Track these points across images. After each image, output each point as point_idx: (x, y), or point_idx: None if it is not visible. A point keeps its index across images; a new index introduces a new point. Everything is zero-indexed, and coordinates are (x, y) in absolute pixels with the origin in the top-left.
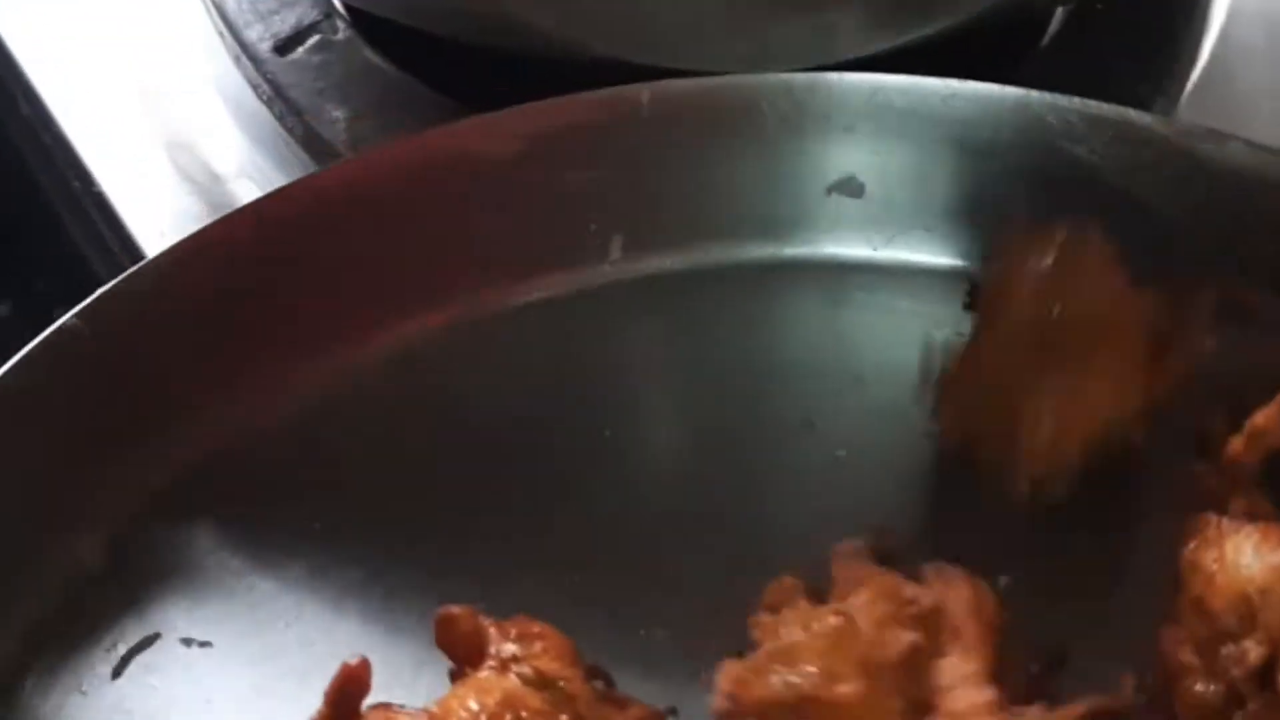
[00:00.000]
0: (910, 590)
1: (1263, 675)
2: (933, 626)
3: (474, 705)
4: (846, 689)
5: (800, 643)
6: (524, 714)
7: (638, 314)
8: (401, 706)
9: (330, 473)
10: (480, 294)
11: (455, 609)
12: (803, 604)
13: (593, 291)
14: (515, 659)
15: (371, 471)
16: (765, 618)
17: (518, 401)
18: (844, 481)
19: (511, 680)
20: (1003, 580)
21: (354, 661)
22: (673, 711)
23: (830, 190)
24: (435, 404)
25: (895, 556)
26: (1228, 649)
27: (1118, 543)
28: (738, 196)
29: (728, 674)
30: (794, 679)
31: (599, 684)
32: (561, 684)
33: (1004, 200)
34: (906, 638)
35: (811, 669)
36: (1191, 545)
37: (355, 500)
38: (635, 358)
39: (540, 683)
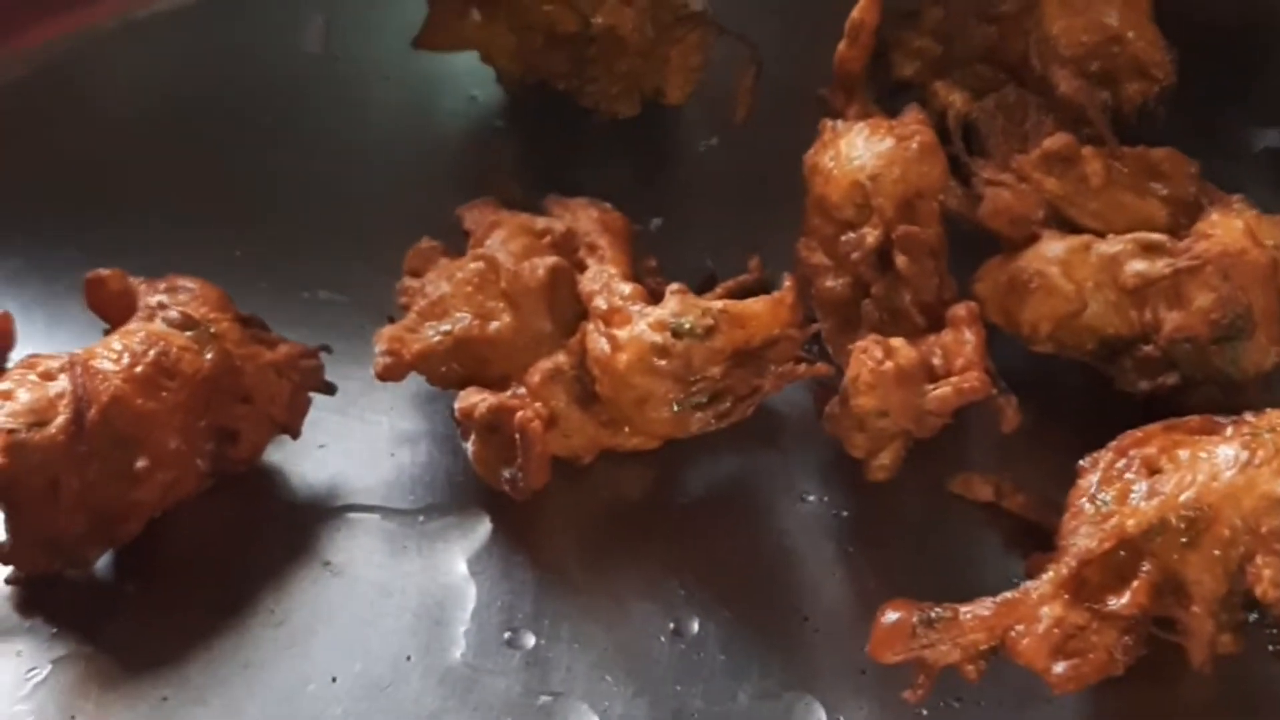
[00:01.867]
0: (542, 222)
1: (882, 257)
2: (569, 249)
3: (118, 346)
4: (498, 324)
5: (447, 294)
6: (169, 350)
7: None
8: (48, 355)
9: None
10: None
11: (104, 271)
12: (443, 262)
13: None
14: (162, 306)
15: (20, 166)
16: (410, 282)
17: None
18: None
19: (157, 324)
20: (654, 222)
21: None
22: (325, 348)
23: None
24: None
25: (521, 204)
26: (847, 237)
27: (756, 176)
28: None
29: (382, 337)
30: (446, 326)
31: (252, 329)
32: (207, 325)
33: None
34: (547, 262)
35: (462, 314)
36: (811, 151)
37: (6, 195)
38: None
39: (186, 324)
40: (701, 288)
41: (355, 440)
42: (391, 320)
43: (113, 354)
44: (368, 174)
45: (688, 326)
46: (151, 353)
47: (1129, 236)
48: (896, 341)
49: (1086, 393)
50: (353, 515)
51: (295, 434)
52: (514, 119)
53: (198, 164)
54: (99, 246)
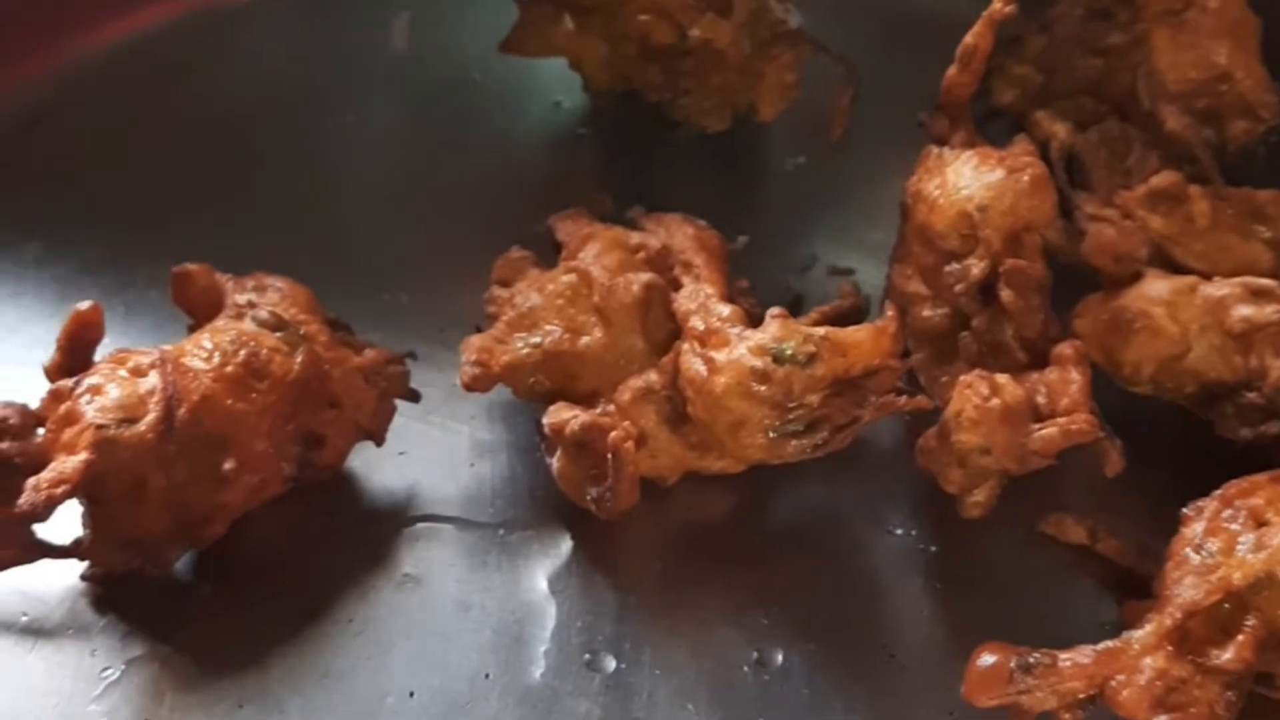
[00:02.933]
0: (637, 237)
1: (985, 290)
2: (663, 266)
3: (208, 344)
4: (589, 339)
5: (537, 306)
6: (259, 350)
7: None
8: (138, 350)
9: (63, 162)
10: None
11: (191, 266)
12: (533, 272)
13: None
14: (251, 305)
15: (105, 156)
16: (499, 291)
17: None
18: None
19: (247, 323)
20: (740, 239)
21: (85, 306)
22: (411, 355)
23: None
24: (168, 91)
25: (613, 217)
26: (950, 268)
27: (846, 197)
28: None
29: (470, 346)
30: (536, 339)
31: (339, 332)
32: (297, 326)
33: None
34: (642, 278)
35: (552, 326)
36: (914, 177)
37: (90, 184)
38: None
39: (276, 324)
40: (790, 308)
41: (436, 449)
42: (479, 329)
43: (203, 352)
44: (451, 177)
45: (789, 352)
46: (242, 352)
47: (1236, 280)
48: (1002, 378)
49: (1184, 437)
50: (432, 525)
51: (380, 441)
52: (599, 127)
53: (279, 161)
54: (181, 240)
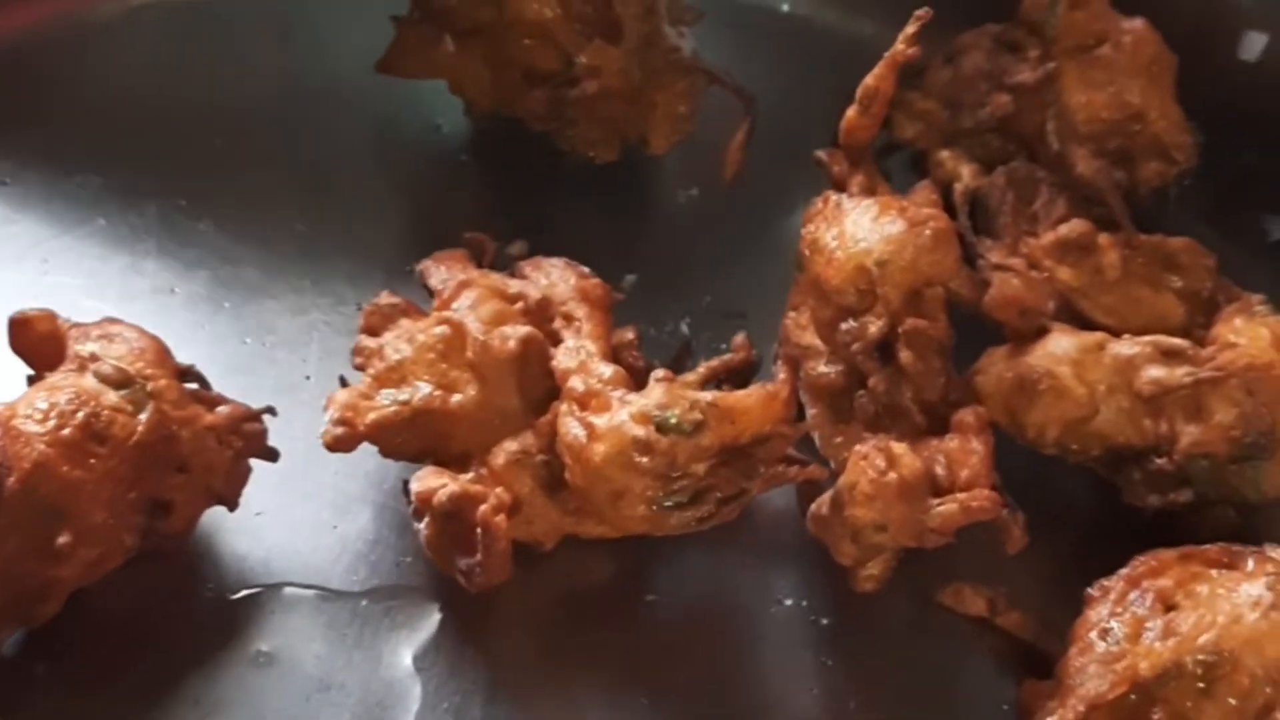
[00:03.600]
0: (515, 285)
1: (883, 351)
2: (543, 317)
3: (43, 404)
4: (461, 397)
5: (407, 359)
6: (100, 411)
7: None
8: None
9: None
10: None
11: (31, 311)
12: (404, 322)
13: None
14: (94, 358)
15: None
16: (366, 342)
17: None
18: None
19: (87, 379)
20: (627, 279)
21: None
22: (269, 410)
23: None
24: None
25: (493, 258)
26: (847, 325)
27: (739, 233)
28: None
29: (335, 402)
30: (404, 395)
31: (191, 385)
32: (143, 382)
33: None
34: (518, 333)
35: (423, 382)
36: (811, 225)
37: None
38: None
39: (120, 380)
40: (677, 359)
41: (295, 510)
42: (344, 382)
43: (38, 413)
44: (321, 206)
45: (674, 421)
46: (81, 413)
47: (1147, 339)
48: (899, 448)
49: (1089, 500)
50: (290, 594)
51: (232, 506)
52: (481, 154)
53: (137, 187)
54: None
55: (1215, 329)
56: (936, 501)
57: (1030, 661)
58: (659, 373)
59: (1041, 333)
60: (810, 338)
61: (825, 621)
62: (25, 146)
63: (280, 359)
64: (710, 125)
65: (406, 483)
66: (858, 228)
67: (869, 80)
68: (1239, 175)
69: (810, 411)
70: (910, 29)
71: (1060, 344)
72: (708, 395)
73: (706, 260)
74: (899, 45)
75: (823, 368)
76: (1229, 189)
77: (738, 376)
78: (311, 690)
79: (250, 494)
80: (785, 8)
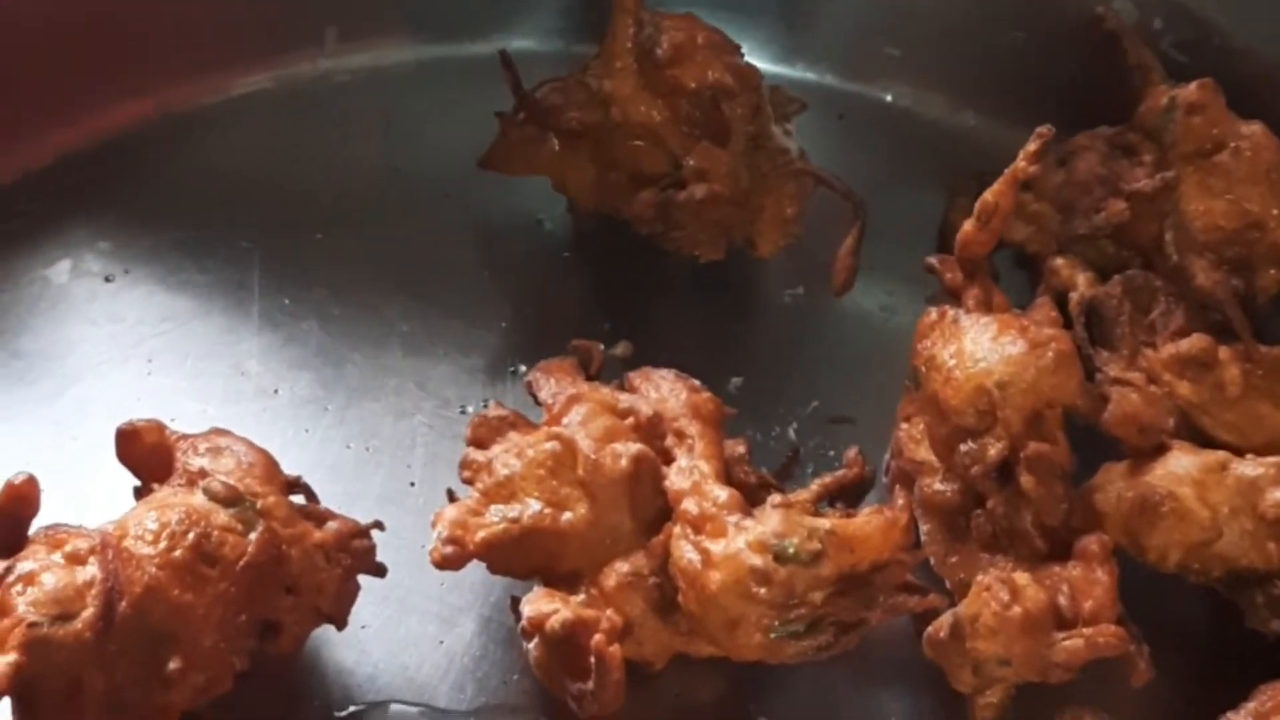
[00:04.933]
0: (626, 400)
1: (1002, 472)
2: (654, 434)
3: (153, 525)
4: (572, 516)
5: (517, 474)
6: (210, 531)
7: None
8: (77, 528)
9: None
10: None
11: (139, 422)
12: (513, 435)
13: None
14: (203, 473)
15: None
16: (475, 455)
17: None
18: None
19: (197, 496)
20: (733, 382)
21: (19, 480)
22: (378, 525)
23: None
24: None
25: (602, 370)
26: (966, 446)
27: (846, 336)
28: None
29: (444, 519)
30: (514, 513)
31: (299, 499)
32: (252, 500)
33: None
34: (630, 450)
35: (533, 499)
36: (927, 341)
37: None
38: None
39: (229, 498)
40: (786, 467)
41: (401, 624)
42: (452, 496)
43: (148, 534)
44: (423, 303)
45: (791, 551)
46: (192, 534)
47: (1272, 460)
48: (1023, 579)
49: (1210, 622)
50: (397, 711)
51: (341, 625)
52: (584, 251)
53: (241, 284)
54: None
55: None
56: (1062, 636)
57: None
58: (775, 498)
59: (1161, 450)
60: (925, 453)
61: None
62: (126, 244)
63: (384, 465)
64: (816, 222)
65: (516, 599)
66: (977, 347)
67: (988, 195)
68: None
69: (924, 528)
70: (1032, 146)
71: (1182, 463)
72: (826, 523)
73: (813, 364)
74: (1020, 162)
75: (939, 485)
76: None
77: (850, 493)
78: None
79: (356, 607)
80: (889, 98)
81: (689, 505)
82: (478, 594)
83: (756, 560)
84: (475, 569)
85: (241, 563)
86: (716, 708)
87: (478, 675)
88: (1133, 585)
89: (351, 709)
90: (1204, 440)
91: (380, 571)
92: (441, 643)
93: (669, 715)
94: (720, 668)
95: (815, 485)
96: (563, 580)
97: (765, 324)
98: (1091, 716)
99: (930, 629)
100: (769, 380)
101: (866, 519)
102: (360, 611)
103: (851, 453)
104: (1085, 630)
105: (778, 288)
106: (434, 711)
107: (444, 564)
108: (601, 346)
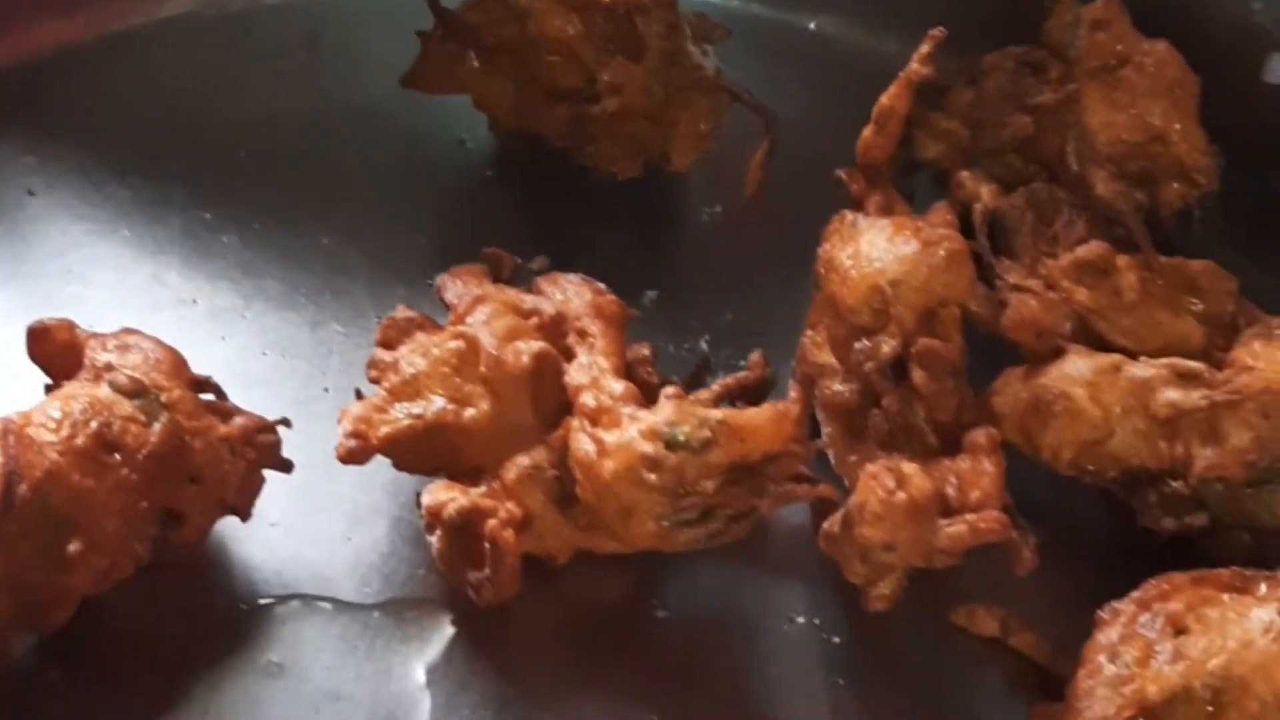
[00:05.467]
0: (530, 301)
1: (897, 370)
2: (557, 333)
3: (55, 413)
4: (475, 411)
5: (421, 372)
6: (112, 421)
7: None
8: None
9: None
10: None
11: (50, 321)
12: (420, 336)
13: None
14: (110, 368)
15: None
16: (382, 355)
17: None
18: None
19: (102, 389)
20: (648, 295)
21: None
22: (284, 421)
23: None
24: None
25: (509, 276)
26: (861, 344)
27: (762, 251)
28: None
29: (349, 415)
30: (418, 409)
31: (209, 397)
32: (157, 393)
33: None
34: (532, 348)
35: (437, 396)
36: (827, 245)
37: None
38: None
39: (134, 390)
40: (695, 375)
41: (309, 521)
42: (360, 395)
43: (51, 422)
44: (345, 219)
45: (682, 438)
46: (94, 423)
47: (1163, 361)
48: (909, 468)
49: (1105, 522)
50: (301, 605)
51: (245, 517)
52: (505, 169)
53: (162, 199)
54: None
55: (1234, 352)
56: (946, 522)
57: (1042, 683)
58: (670, 389)
59: (1058, 354)
60: (826, 356)
61: (837, 640)
62: (52, 158)
63: (299, 371)
64: (736, 144)
65: (420, 495)
66: (872, 247)
67: (884, 99)
68: (1262, 198)
69: (825, 430)
70: (924, 48)
71: (1076, 365)
72: (717, 413)
73: (728, 277)
74: (913, 64)
75: (837, 386)
76: (1252, 212)
77: (752, 394)
78: (321, 701)
79: (265, 505)
80: (811, 26)
81: (586, 398)
82: (388, 493)
83: (648, 447)
84: (385, 470)
85: (144, 452)
86: (619, 603)
87: (384, 571)
88: (1029, 491)
89: (261, 602)
90: (1101, 345)
91: (286, 467)
92: (350, 540)
93: (572, 610)
94: (623, 564)
95: (716, 385)
96: (466, 475)
97: (683, 240)
98: (985, 612)
99: (825, 524)
100: (683, 294)
101: (758, 411)
102: (270, 510)
103: (754, 356)
104: (969, 516)
105: (696, 206)
106: (339, 605)
107: (348, 458)
108: (515, 258)
